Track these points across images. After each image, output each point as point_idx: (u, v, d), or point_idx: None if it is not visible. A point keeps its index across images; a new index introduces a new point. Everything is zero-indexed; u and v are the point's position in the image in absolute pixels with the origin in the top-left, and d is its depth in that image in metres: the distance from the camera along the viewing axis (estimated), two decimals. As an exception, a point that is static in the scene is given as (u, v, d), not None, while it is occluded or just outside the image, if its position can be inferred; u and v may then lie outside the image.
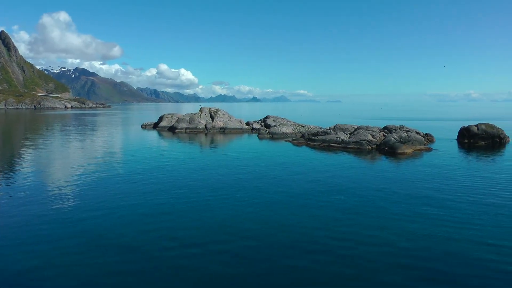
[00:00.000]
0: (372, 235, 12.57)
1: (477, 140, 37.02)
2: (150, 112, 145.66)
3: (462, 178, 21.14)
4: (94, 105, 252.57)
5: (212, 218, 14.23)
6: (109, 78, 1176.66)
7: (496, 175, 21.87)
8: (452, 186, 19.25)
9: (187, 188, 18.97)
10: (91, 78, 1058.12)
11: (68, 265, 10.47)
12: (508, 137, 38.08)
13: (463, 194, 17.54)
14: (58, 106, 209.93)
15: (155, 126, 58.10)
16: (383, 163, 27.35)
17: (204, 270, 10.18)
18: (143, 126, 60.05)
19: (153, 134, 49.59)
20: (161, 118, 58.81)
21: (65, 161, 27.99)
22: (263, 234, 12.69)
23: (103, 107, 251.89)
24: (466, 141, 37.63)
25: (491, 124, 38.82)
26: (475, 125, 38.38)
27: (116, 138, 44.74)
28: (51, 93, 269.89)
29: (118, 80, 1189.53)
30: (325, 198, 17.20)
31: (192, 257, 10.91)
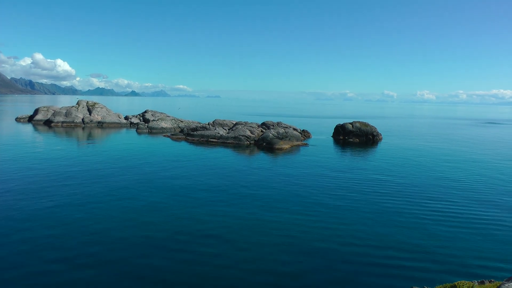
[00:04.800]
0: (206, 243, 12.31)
1: (352, 137, 39.28)
2: (25, 105, 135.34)
3: (321, 175, 21.95)
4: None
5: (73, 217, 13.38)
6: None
7: (361, 172, 23.23)
8: (312, 182, 20.21)
9: (59, 188, 17.63)
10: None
11: None
12: (381, 135, 40.74)
13: (315, 190, 18.30)
14: None
15: (30, 119, 54.86)
16: (259, 158, 27.81)
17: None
18: (18, 119, 56.49)
19: (28, 127, 46.72)
20: (36, 111, 55.48)
21: None
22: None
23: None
24: (341, 137, 39.79)
25: (365, 123, 41.36)
26: (350, 123, 40.78)
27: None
28: None
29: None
30: (198, 192, 17.22)
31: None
